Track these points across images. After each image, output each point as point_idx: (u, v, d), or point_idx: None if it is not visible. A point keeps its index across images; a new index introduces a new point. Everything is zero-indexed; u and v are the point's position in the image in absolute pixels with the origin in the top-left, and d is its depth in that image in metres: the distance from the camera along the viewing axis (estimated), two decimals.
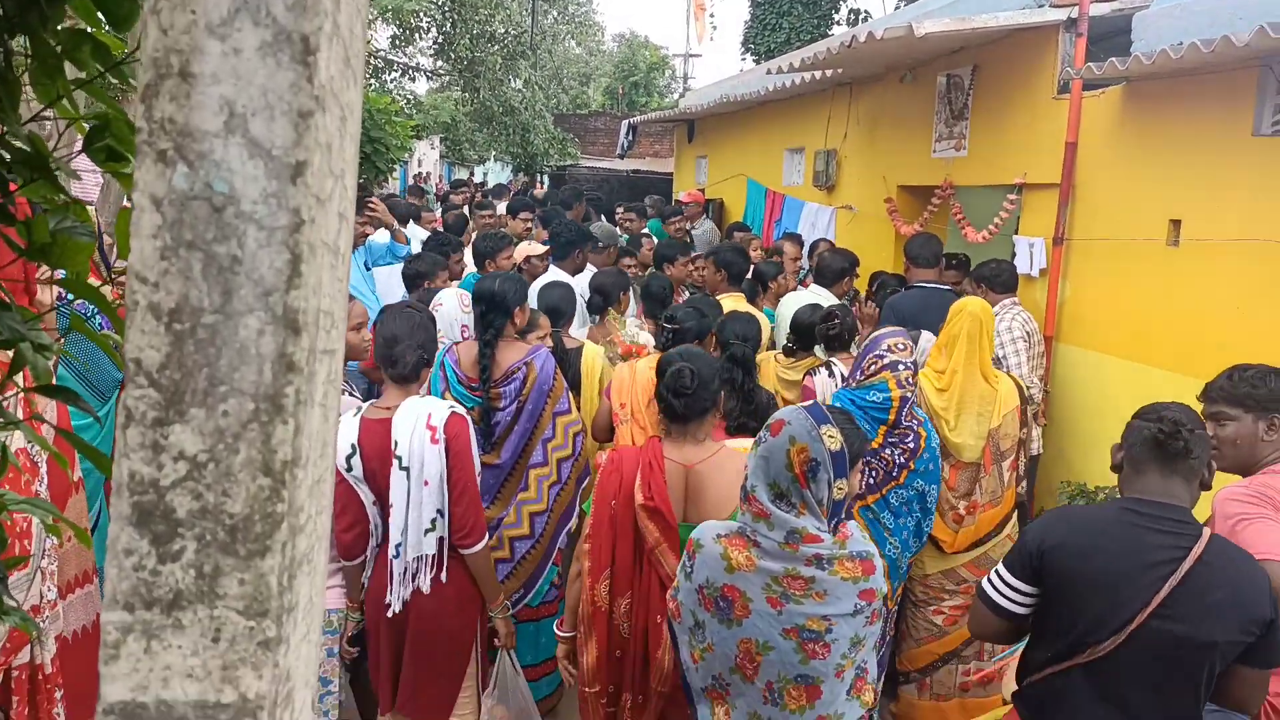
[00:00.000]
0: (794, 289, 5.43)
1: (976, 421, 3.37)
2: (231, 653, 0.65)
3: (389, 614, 2.69)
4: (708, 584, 2.02)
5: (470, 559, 2.74)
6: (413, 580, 2.68)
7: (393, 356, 2.74)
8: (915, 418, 3.18)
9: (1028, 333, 4.42)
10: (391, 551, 2.68)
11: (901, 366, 3.18)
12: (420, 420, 2.65)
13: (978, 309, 3.47)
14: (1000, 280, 4.57)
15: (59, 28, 0.94)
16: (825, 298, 4.96)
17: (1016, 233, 5.22)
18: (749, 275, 5.30)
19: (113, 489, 0.64)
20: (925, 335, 3.94)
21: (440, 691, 2.80)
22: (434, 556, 2.68)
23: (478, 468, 2.79)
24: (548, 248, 5.42)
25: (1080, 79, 4.49)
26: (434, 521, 2.66)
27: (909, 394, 3.16)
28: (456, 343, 3.58)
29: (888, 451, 3.14)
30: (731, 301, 4.52)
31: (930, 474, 3.19)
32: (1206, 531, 1.97)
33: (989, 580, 2.18)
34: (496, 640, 2.89)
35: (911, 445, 3.14)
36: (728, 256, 4.98)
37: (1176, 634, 1.91)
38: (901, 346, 3.20)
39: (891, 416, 3.12)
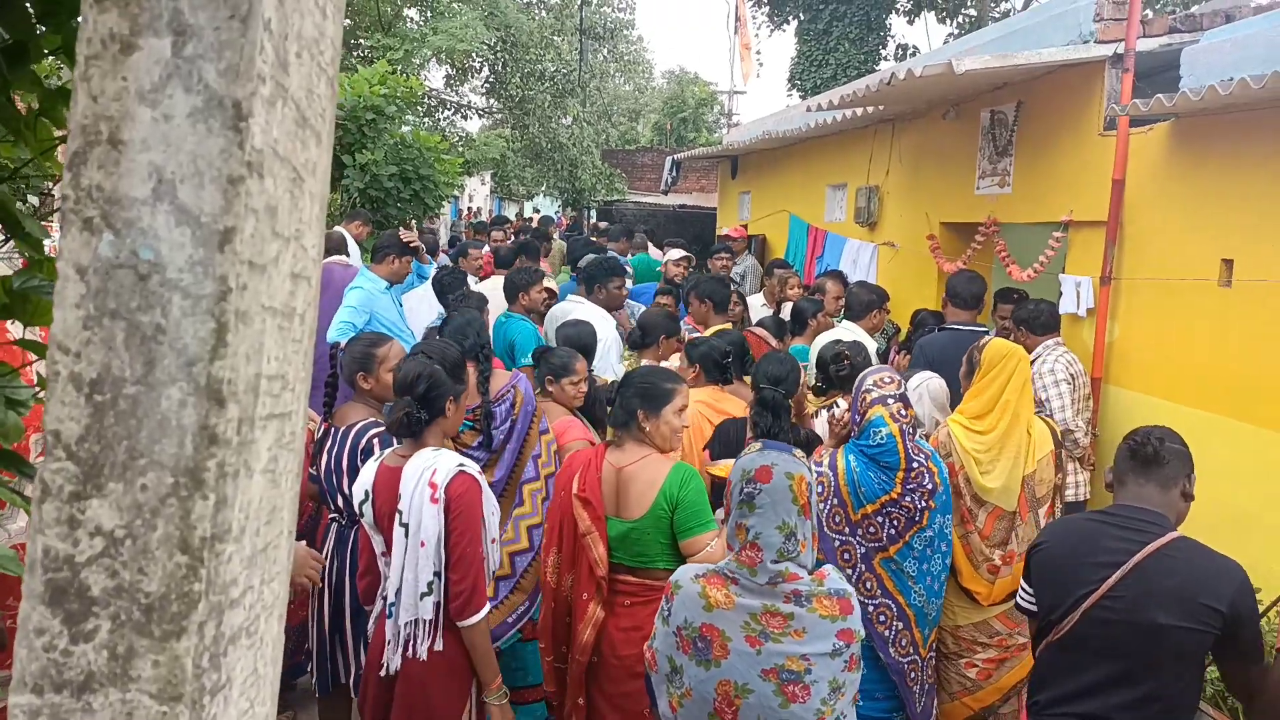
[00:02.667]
0: (834, 326, 5.35)
1: (1012, 466, 3.26)
2: None
3: (381, 674, 2.58)
4: (686, 624, 2.01)
5: (466, 632, 2.53)
6: (407, 645, 2.53)
7: (391, 408, 2.66)
8: (922, 451, 3.10)
9: (1071, 375, 4.28)
10: (386, 610, 2.58)
11: (890, 400, 3.11)
12: (424, 476, 2.52)
13: (1023, 354, 3.39)
14: (1040, 322, 4.45)
15: (38, 87, 0.95)
16: (856, 332, 4.88)
17: (1063, 271, 5.09)
18: (781, 313, 5.24)
19: (26, 566, 0.62)
20: (926, 375, 3.86)
21: None
22: (430, 623, 2.51)
23: (491, 534, 2.62)
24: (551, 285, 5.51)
25: (1126, 115, 4.39)
26: (430, 585, 2.50)
27: (905, 425, 3.08)
28: None
29: (909, 499, 3.05)
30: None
31: (945, 505, 3.12)
32: (1173, 534, 2.18)
33: (1020, 589, 2.48)
34: None
35: (929, 486, 3.06)
36: (708, 287, 4.98)
37: (1122, 618, 2.15)
38: (887, 380, 3.15)
39: (901, 456, 3.03)
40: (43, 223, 0.97)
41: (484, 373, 3.41)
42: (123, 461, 0.63)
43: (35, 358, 0.96)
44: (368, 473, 2.68)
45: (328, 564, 3.27)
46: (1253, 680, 2.17)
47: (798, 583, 1.97)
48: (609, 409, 2.88)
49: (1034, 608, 2.41)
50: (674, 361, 4.70)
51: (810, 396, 4.10)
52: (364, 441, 3.14)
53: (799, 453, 2.12)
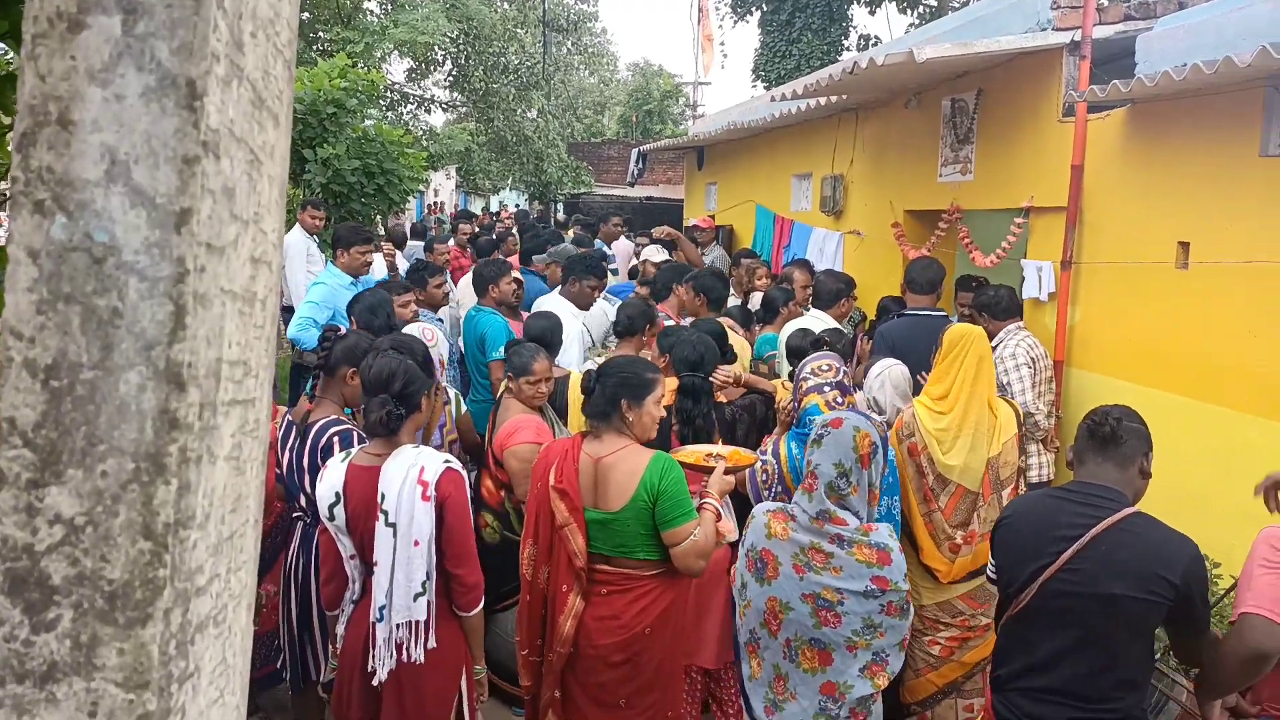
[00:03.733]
0: (803, 315, 5.39)
1: (972, 445, 3.31)
2: None
3: (374, 682, 2.54)
4: (751, 548, 2.47)
5: (468, 621, 2.64)
6: (399, 649, 2.50)
7: (365, 407, 2.62)
8: None
9: (1033, 359, 4.34)
10: (374, 614, 2.50)
11: (826, 387, 3.18)
12: (411, 475, 2.49)
13: (980, 334, 3.42)
14: (1000, 307, 4.52)
15: None
16: (825, 320, 4.91)
17: (1024, 256, 5.16)
18: (742, 302, 5.26)
19: None
20: (889, 362, 3.91)
21: None
22: (424, 623, 2.51)
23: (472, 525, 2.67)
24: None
25: (1084, 101, 4.45)
26: (424, 585, 2.48)
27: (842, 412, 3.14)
28: None
29: None
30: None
31: (891, 487, 3.18)
32: (1129, 509, 2.23)
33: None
34: (479, 698, 2.78)
35: None
36: (707, 282, 4.98)
37: (1077, 590, 2.20)
38: (825, 368, 3.21)
39: None
40: None
41: None
42: (81, 448, 0.62)
43: None
44: (335, 473, 2.60)
45: (294, 563, 3.24)
46: (1201, 649, 2.23)
47: (843, 528, 2.35)
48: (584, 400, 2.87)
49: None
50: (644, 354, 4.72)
51: (786, 384, 4.14)
52: (324, 440, 3.10)
53: (878, 419, 2.59)
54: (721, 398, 3.89)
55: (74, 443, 0.62)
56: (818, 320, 4.88)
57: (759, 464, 3.26)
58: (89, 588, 0.61)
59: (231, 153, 0.71)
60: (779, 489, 3.18)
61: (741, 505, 3.46)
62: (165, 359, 0.63)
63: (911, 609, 2.51)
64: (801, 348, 4.20)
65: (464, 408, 4.13)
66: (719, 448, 3.27)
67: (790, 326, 4.92)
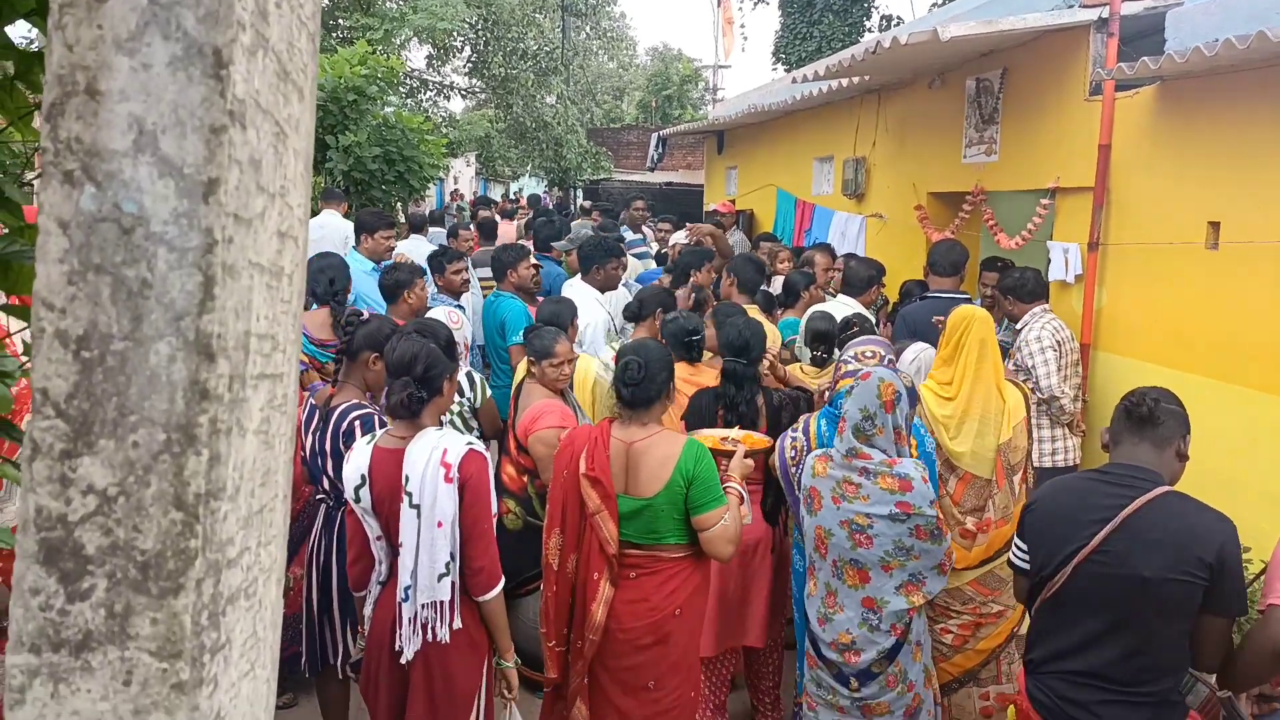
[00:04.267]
0: (824, 300, 5.35)
1: (979, 431, 3.25)
2: (144, 696, 0.62)
3: (401, 660, 2.55)
4: (804, 487, 2.82)
5: (485, 607, 2.59)
6: (425, 629, 2.51)
7: (388, 390, 2.62)
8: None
9: (1058, 341, 4.29)
10: (400, 594, 2.51)
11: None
12: (434, 456, 2.49)
13: (986, 318, 3.38)
14: (1026, 289, 4.46)
15: (12, 51, 0.93)
16: (854, 307, 4.88)
17: (1050, 238, 5.10)
18: (770, 287, 5.24)
19: (18, 526, 0.61)
20: (921, 346, 3.87)
21: None
22: (448, 603, 2.51)
23: (494, 509, 2.64)
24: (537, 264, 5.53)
25: (1112, 80, 4.38)
26: (448, 565, 2.49)
27: (870, 367, 3.15)
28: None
29: None
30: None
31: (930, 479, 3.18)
32: (1163, 488, 2.20)
33: (1012, 545, 2.53)
34: (506, 693, 2.72)
35: None
36: (742, 267, 4.98)
37: (1112, 572, 2.19)
38: (869, 355, 3.19)
39: None
40: (22, 188, 0.95)
41: (336, 315, 3.92)
42: (113, 418, 0.62)
43: (22, 325, 0.95)
44: (360, 456, 2.62)
45: (316, 546, 3.26)
46: (1225, 641, 2.18)
47: (868, 462, 2.68)
48: (619, 382, 2.81)
49: (1026, 565, 2.43)
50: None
51: (805, 368, 4.13)
52: (345, 424, 3.12)
53: (905, 374, 2.84)
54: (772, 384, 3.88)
55: (105, 413, 0.62)
56: (843, 306, 4.84)
57: (789, 440, 3.26)
58: (122, 557, 0.62)
59: (258, 124, 0.70)
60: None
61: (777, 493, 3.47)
62: (195, 330, 0.63)
63: (947, 536, 2.74)
64: (825, 331, 4.18)
65: (489, 392, 4.13)
66: (733, 431, 3.26)
67: (813, 311, 4.90)
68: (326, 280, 4.20)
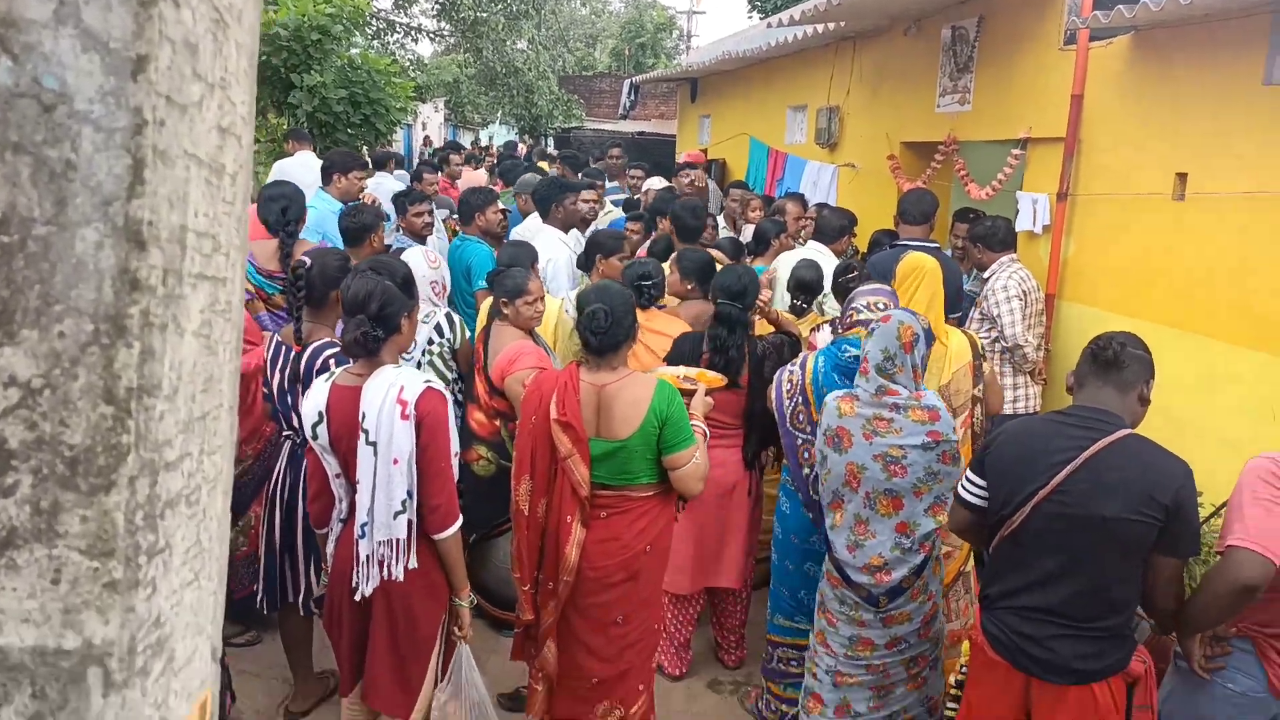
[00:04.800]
0: (794, 248, 5.34)
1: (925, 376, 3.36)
2: (74, 595, 0.60)
3: (357, 597, 2.55)
4: (827, 428, 2.89)
5: (441, 545, 2.58)
6: (381, 566, 2.50)
7: (344, 328, 2.58)
8: None
9: (1024, 291, 4.32)
10: (357, 531, 2.51)
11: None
12: (391, 394, 2.47)
13: (934, 266, 3.45)
14: (997, 238, 4.48)
15: None
16: (824, 253, 4.87)
17: (1020, 189, 5.11)
18: (740, 234, 5.21)
19: None
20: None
21: (406, 682, 2.65)
22: (404, 541, 2.50)
23: (454, 448, 2.62)
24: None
25: (1087, 28, 4.35)
26: (404, 504, 2.48)
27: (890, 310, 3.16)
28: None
29: None
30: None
31: None
32: (1124, 431, 2.24)
33: (960, 481, 2.58)
34: (457, 630, 2.73)
35: None
36: (677, 211, 5.04)
37: (1070, 512, 2.22)
38: (882, 306, 3.19)
39: None
40: None
41: (285, 247, 3.89)
42: (36, 307, 0.59)
43: None
44: (319, 393, 2.59)
45: (279, 481, 3.23)
46: (1176, 582, 2.23)
47: (896, 397, 2.80)
48: (585, 330, 2.78)
49: (980, 502, 2.47)
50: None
51: (784, 314, 4.14)
52: (319, 361, 3.07)
53: (923, 317, 2.96)
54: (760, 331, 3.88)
55: (28, 301, 0.58)
56: (819, 254, 4.83)
57: (785, 374, 3.29)
58: (48, 452, 0.59)
59: (193, 4, 0.66)
60: (799, 400, 3.22)
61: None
62: (124, 216, 0.59)
63: (962, 459, 2.91)
64: (810, 281, 4.18)
65: (468, 334, 4.09)
66: (688, 370, 3.26)
67: (784, 258, 4.88)
68: (279, 209, 4.00)
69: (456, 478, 2.65)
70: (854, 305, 3.25)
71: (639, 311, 3.74)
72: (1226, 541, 2.13)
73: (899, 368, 2.82)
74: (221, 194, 0.77)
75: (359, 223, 4.37)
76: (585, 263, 4.40)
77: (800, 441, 3.24)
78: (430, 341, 3.89)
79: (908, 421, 2.79)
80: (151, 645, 0.67)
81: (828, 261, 4.70)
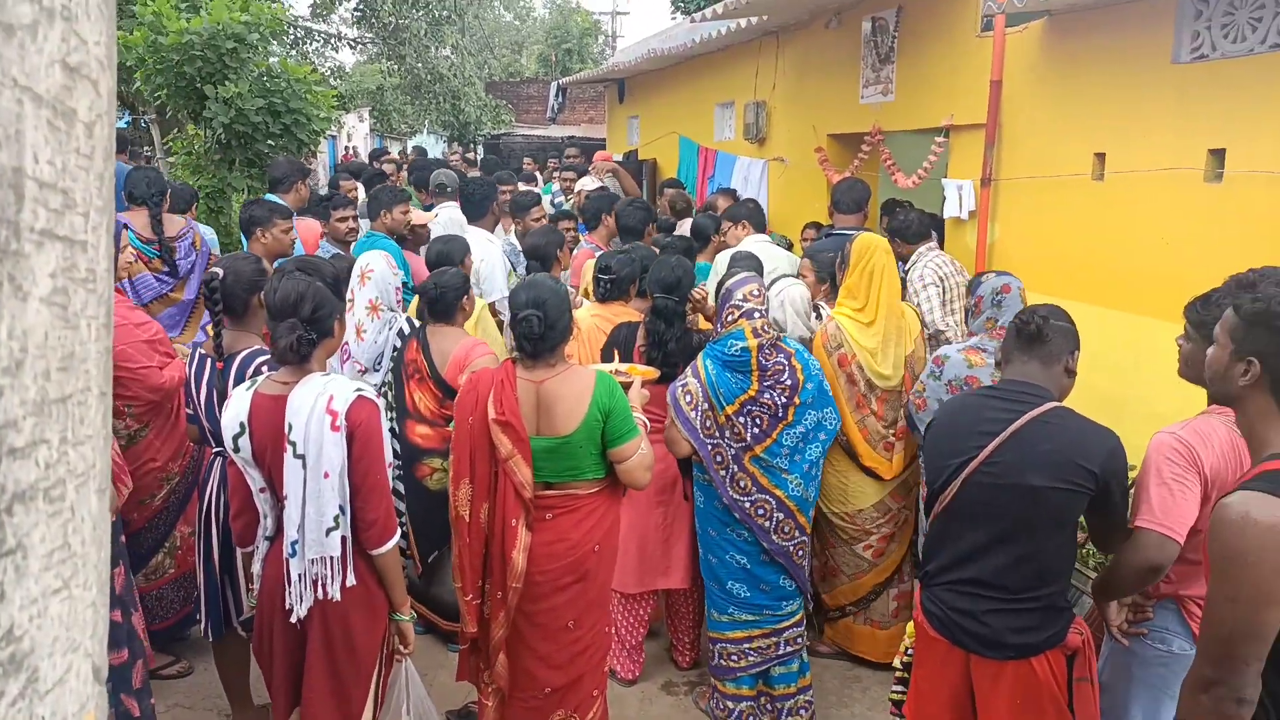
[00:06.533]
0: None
1: (896, 350, 3.47)
2: None
3: (292, 619, 2.41)
4: (955, 378, 3.18)
5: (379, 561, 2.47)
6: (315, 585, 2.38)
7: (274, 334, 2.44)
8: (785, 349, 3.23)
9: (939, 278, 4.37)
10: (287, 549, 2.38)
11: (757, 314, 3.21)
12: (319, 403, 2.34)
13: (885, 244, 3.58)
14: (911, 231, 4.55)
15: None
16: (769, 246, 4.87)
17: (945, 176, 5.17)
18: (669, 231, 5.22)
19: None
20: (788, 281, 3.98)
21: (347, 706, 2.52)
22: (339, 559, 2.38)
23: (389, 458, 2.50)
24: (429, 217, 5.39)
25: (1003, 14, 4.42)
26: (336, 519, 2.36)
27: (765, 340, 3.19)
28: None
29: (767, 396, 3.19)
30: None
31: (821, 399, 3.26)
32: (1051, 404, 2.28)
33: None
34: (401, 648, 2.63)
35: (789, 382, 3.18)
36: (623, 210, 5.14)
37: (999, 483, 2.25)
38: (756, 294, 3.21)
39: (753, 365, 3.17)
40: None
41: (155, 216, 4.57)
42: None
43: None
44: (240, 402, 2.45)
45: (213, 501, 3.07)
46: (1119, 539, 2.28)
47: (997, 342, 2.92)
48: (520, 336, 2.68)
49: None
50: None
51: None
52: (251, 369, 2.91)
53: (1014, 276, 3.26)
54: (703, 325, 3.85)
55: None
56: (765, 245, 4.82)
57: (681, 387, 3.25)
58: None
59: None
60: (705, 406, 3.18)
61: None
62: None
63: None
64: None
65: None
66: (618, 365, 3.22)
67: (725, 255, 4.86)
68: (144, 182, 4.66)
69: (403, 490, 2.54)
70: (732, 302, 3.22)
71: (600, 305, 3.72)
72: (1134, 522, 2.18)
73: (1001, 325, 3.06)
74: (73, 144, 0.67)
75: (248, 215, 4.41)
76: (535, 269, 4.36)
77: (711, 446, 3.21)
78: (395, 349, 3.74)
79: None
80: (9, 662, 0.58)
81: (768, 253, 4.70)
